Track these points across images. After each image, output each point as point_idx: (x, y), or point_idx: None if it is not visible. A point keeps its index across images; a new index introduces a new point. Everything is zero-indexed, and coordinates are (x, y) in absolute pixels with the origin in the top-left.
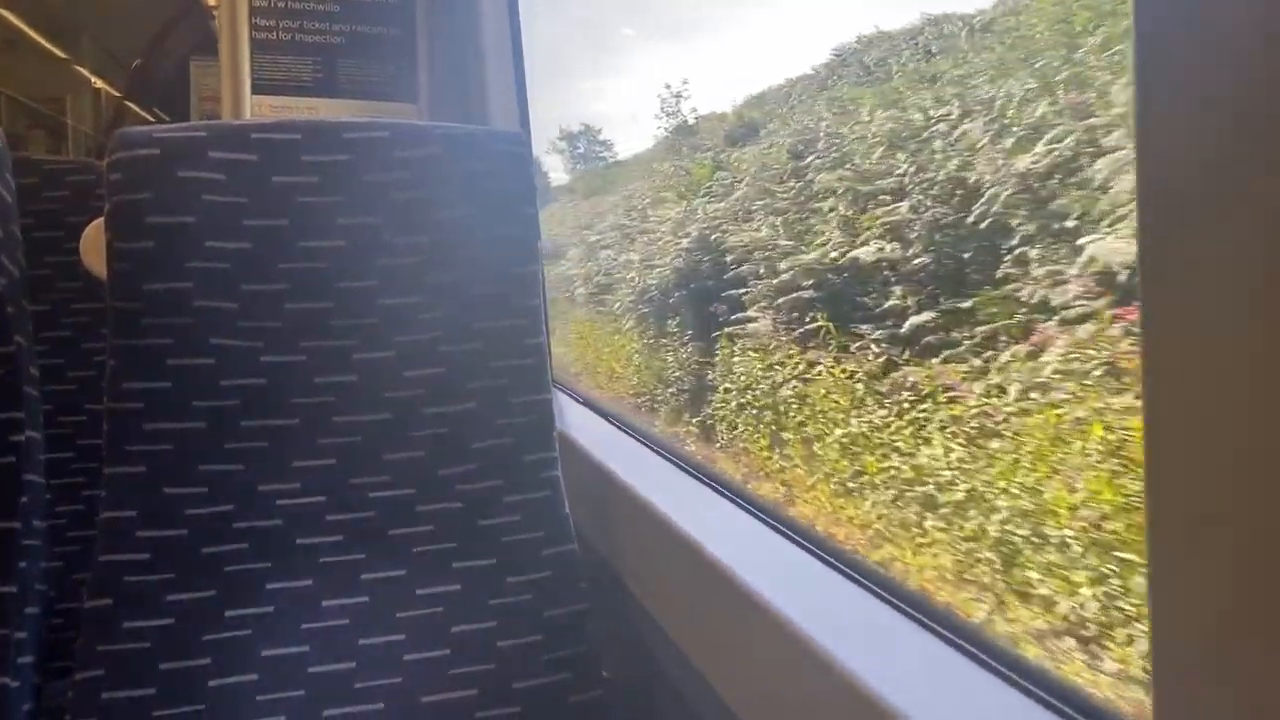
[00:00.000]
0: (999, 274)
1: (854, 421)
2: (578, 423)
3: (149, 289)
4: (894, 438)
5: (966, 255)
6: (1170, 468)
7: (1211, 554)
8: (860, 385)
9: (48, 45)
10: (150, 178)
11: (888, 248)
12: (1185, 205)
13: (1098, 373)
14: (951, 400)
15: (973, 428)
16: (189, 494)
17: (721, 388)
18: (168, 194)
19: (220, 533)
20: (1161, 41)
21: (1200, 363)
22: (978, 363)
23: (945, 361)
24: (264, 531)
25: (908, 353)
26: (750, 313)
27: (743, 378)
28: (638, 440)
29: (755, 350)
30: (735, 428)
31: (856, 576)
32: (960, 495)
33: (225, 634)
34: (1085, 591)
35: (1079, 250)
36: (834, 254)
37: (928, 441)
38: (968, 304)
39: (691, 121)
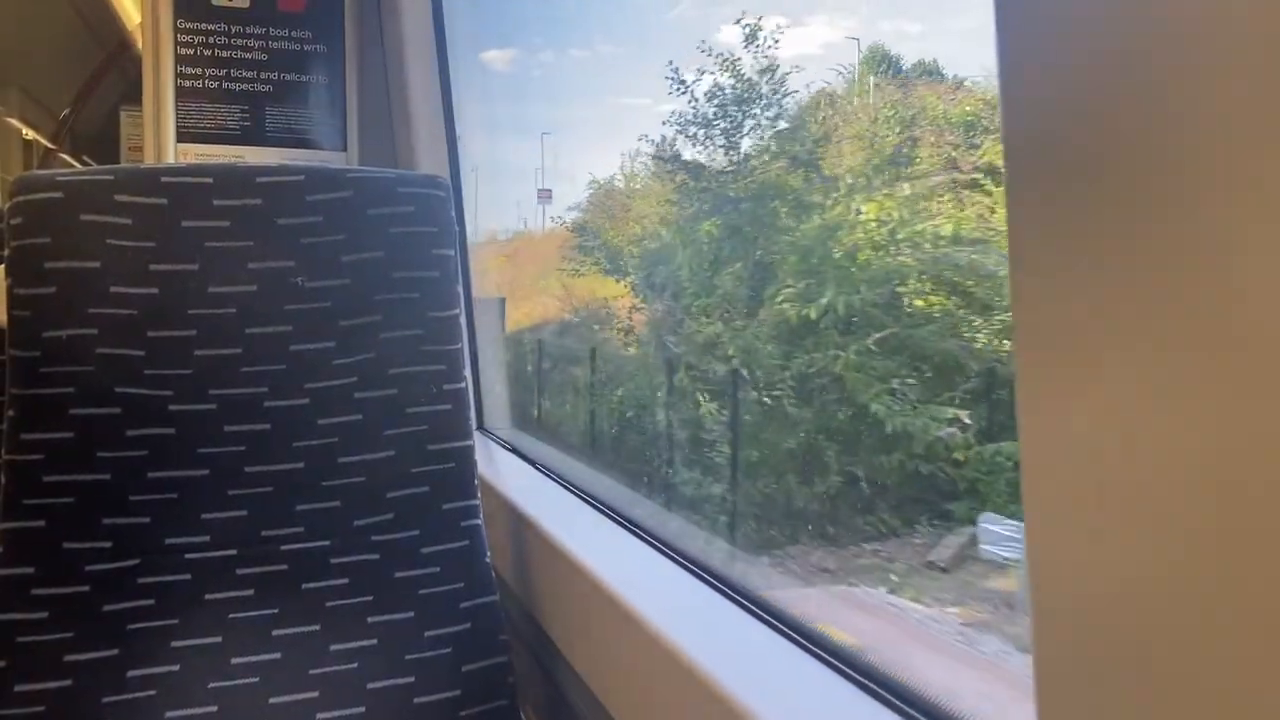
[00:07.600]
0: None
1: None
2: (504, 469)
3: (49, 336)
4: None
5: None
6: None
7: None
8: None
9: None
10: (52, 222)
11: None
12: (1048, 193)
13: None
14: None
15: None
16: (90, 549)
17: None
18: (70, 238)
19: (123, 588)
20: (1022, 31)
21: (1068, 342)
22: None
23: None
24: (170, 586)
25: None
26: None
27: None
28: (566, 488)
29: None
30: None
31: (782, 627)
32: None
33: (127, 695)
34: None
35: None
36: None
37: None
38: None
39: None
